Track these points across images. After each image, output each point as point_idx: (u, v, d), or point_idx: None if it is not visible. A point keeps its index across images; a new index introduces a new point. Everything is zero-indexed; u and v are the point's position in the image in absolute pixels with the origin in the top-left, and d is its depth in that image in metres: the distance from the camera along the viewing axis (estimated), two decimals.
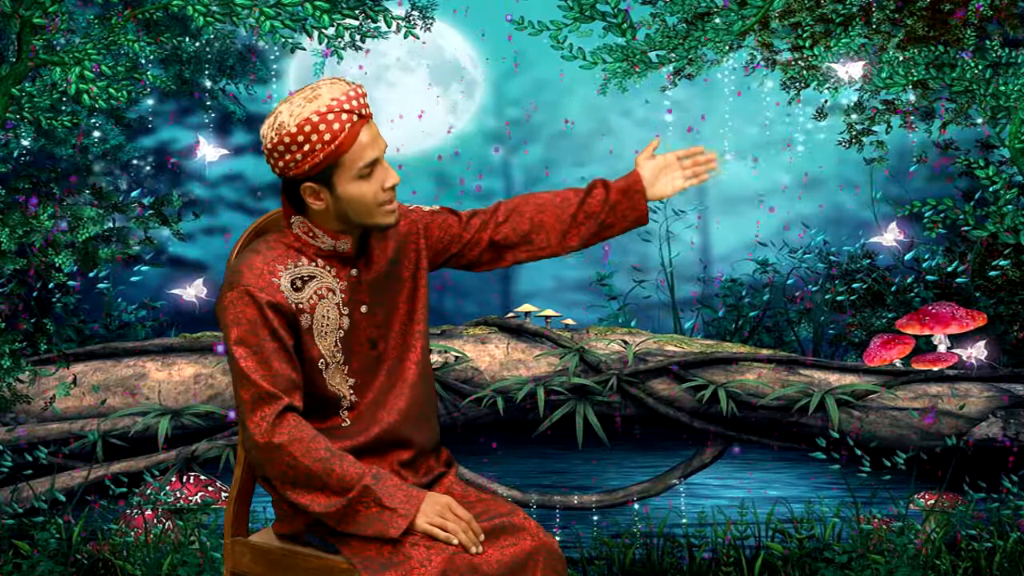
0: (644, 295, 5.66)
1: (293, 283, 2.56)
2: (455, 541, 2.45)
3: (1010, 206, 4.57)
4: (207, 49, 5.33)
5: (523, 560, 2.53)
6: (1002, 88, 4.44)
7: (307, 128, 2.47)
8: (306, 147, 2.47)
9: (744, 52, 4.90)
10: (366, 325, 2.63)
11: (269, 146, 2.51)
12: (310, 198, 2.54)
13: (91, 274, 5.31)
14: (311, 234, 2.59)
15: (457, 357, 4.76)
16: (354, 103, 2.50)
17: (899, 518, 4.33)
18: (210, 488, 4.44)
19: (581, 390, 4.71)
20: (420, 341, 2.71)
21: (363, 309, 2.63)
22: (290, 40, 4.58)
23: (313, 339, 2.56)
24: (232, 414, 4.61)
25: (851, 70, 4.78)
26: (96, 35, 4.33)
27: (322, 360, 2.58)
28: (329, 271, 2.60)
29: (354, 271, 2.63)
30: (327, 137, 2.47)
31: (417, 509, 2.47)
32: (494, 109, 5.88)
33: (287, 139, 2.48)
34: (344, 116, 2.48)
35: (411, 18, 4.74)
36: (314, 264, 2.59)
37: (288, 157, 2.49)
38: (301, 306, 2.55)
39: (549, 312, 5.05)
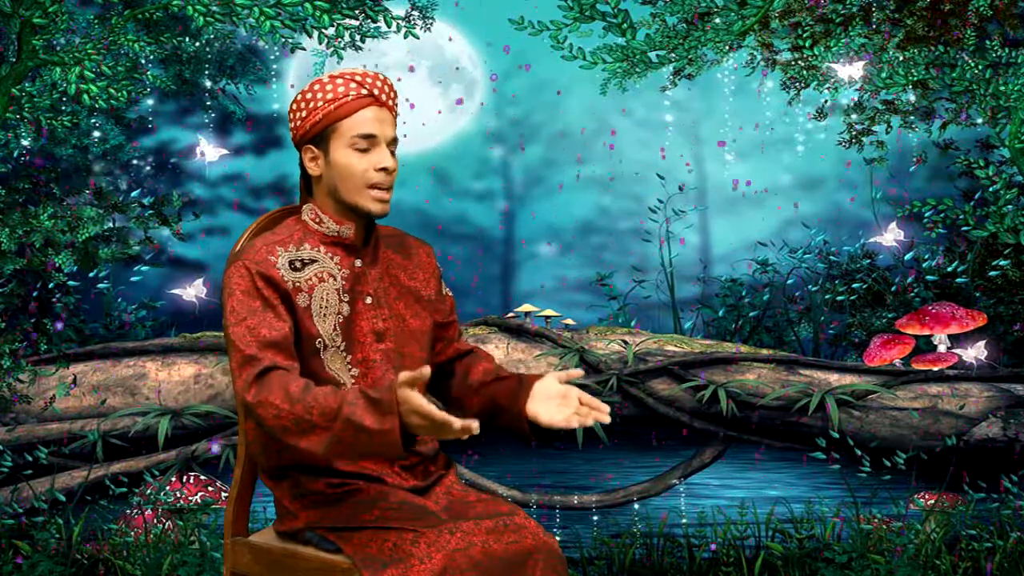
0: (644, 295, 5.65)
1: (292, 263, 2.59)
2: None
3: (1010, 206, 4.57)
4: (207, 49, 5.33)
5: (523, 558, 2.54)
6: (1002, 88, 4.44)
7: (316, 87, 2.62)
8: (311, 104, 2.61)
9: (744, 52, 4.90)
10: (370, 316, 2.65)
11: (289, 113, 2.65)
12: (309, 162, 2.64)
13: (91, 274, 5.31)
14: (318, 220, 2.65)
15: None
16: (368, 81, 2.61)
17: (899, 518, 4.33)
18: (210, 488, 4.44)
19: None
20: (428, 356, 2.76)
21: (367, 300, 2.65)
22: (290, 40, 4.58)
23: (311, 319, 2.58)
24: (233, 414, 4.61)
25: (851, 70, 4.78)
26: (96, 35, 4.33)
27: (319, 340, 2.58)
28: (332, 258, 2.64)
29: (358, 262, 2.66)
30: (329, 96, 2.60)
31: (398, 422, 2.33)
32: (494, 109, 5.88)
33: (299, 97, 2.62)
34: (352, 85, 2.60)
35: (411, 18, 4.74)
36: (317, 250, 2.64)
37: (296, 116, 2.63)
38: (298, 285, 2.58)
39: (549, 312, 5.04)
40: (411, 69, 4.61)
